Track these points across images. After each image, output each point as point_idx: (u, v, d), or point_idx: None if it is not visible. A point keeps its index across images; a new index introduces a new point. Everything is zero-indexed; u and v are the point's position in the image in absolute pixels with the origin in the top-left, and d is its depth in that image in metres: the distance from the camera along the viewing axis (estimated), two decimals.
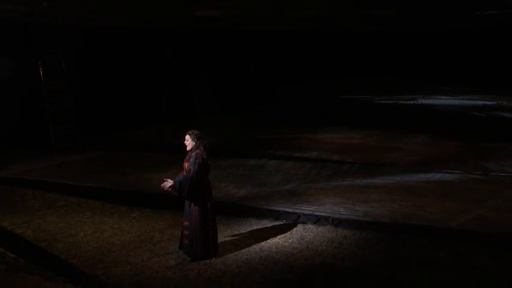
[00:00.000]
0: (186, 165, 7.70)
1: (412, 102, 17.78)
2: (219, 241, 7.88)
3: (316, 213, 9.00)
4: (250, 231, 8.76)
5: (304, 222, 8.96)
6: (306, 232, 8.61)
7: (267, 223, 9.10)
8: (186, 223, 7.69)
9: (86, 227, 9.30)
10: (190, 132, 7.81)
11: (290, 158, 12.98)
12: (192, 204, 7.61)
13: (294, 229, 8.75)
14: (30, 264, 7.76)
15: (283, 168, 12.14)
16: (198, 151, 7.67)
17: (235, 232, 8.74)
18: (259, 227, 8.96)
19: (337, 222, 8.77)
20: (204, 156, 7.65)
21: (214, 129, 15.64)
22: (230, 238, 8.46)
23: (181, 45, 18.56)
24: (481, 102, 17.31)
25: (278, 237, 8.42)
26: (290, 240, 8.29)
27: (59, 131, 15.08)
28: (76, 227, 9.31)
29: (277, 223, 9.07)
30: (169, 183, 7.62)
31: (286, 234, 8.53)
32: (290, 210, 9.25)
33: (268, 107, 18.69)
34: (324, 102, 18.18)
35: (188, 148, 7.77)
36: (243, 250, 7.94)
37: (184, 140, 7.76)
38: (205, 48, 18.91)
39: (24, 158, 13.83)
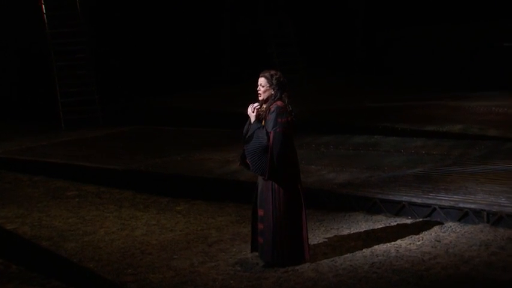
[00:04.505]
0: None
1: None
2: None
3: (462, 206, 8.87)
4: (356, 230, 8.72)
5: (441, 219, 8.84)
6: (444, 232, 8.48)
7: (382, 219, 9.05)
8: (261, 212, 7.65)
9: (109, 223, 9.51)
10: (267, 74, 7.57)
11: (418, 134, 13.04)
12: (275, 185, 7.53)
13: (425, 228, 8.62)
14: (26, 270, 8.00)
15: (407, 147, 12.15)
16: (279, 103, 7.52)
17: (333, 231, 8.71)
18: (370, 224, 8.92)
19: (496, 219, 8.59)
20: (291, 111, 7.55)
21: (301, 95, 15.66)
22: (324, 239, 8.44)
23: None
24: None
25: (400, 238, 8.33)
26: (419, 243, 8.17)
27: (71, 96, 15.45)
28: (94, 223, 9.53)
29: (398, 220, 9.01)
30: (252, 116, 7.54)
31: (412, 235, 8.43)
32: (419, 201, 9.18)
33: (383, 63, 18.55)
34: (469, 55, 17.87)
35: (262, 97, 7.62)
36: (346, 254, 7.90)
37: (257, 86, 7.63)
38: None
39: (22, 133, 14.27)
